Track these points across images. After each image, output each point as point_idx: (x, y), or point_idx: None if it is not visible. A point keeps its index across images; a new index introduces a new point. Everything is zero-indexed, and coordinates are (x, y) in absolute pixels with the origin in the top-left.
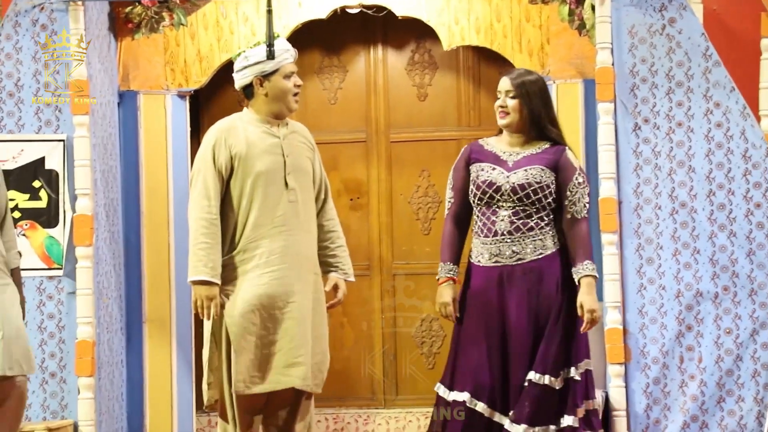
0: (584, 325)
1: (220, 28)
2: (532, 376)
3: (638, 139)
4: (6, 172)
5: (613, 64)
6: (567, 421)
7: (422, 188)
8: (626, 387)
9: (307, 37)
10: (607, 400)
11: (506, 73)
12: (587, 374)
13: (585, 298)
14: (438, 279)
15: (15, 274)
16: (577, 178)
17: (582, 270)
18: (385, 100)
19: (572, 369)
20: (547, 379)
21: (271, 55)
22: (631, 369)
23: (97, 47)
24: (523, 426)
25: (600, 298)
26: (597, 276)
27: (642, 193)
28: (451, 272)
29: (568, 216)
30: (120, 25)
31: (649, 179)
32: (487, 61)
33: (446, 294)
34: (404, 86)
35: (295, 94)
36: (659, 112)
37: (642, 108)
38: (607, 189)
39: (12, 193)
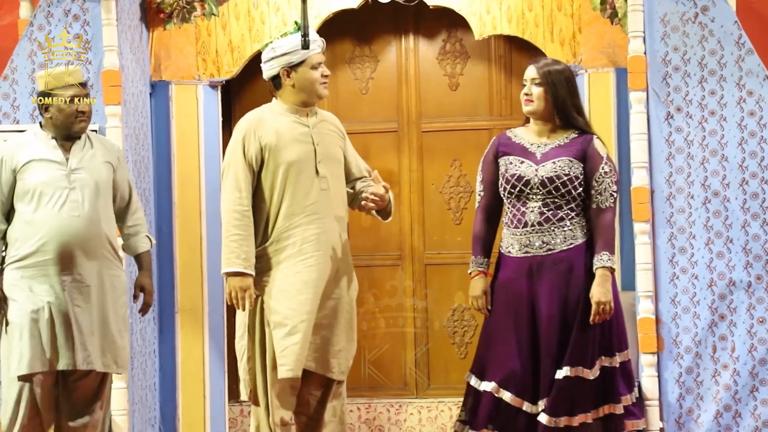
0: (592, 316)
1: (251, 18)
2: (566, 369)
3: (671, 128)
4: None
5: (645, 53)
6: (611, 409)
7: (454, 178)
8: (659, 377)
9: (338, 26)
10: (639, 389)
11: (532, 62)
12: (627, 364)
13: (595, 290)
14: (470, 272)
15: (143, 258)
16: (603, 168)
17: (598, 261)
18: (417, 89)
19: (611, 358)
20: (579, 371)
21: (305, 45)
22: (664, 358)
23: (129, 38)
24: (563, 417)
25: (632, 287)
26: (613, 268)
27: (674, 183)
28: (483, 265)
29: (594, 205)
30: (152, 16)
31: (682, 168)
32: (518, 51)
33: (478, 287)
34: (435, 76)
35: (323, 84)
36: (692, 100)
37: (674, 97)
38: (639, 178)
39: None
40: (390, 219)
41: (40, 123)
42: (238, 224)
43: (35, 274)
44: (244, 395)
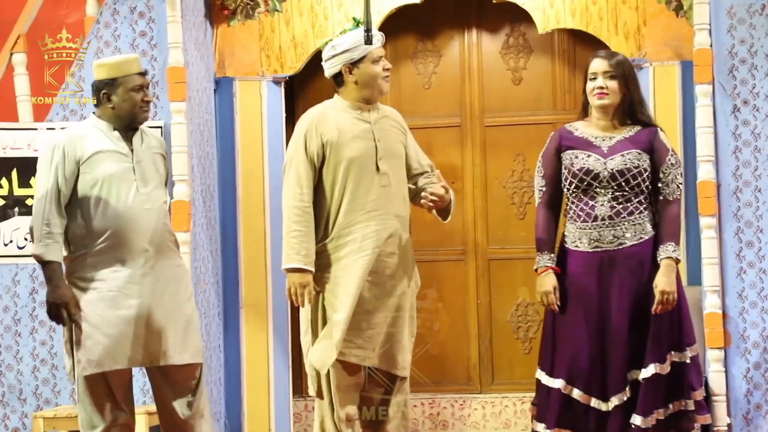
0: (655, 305)
1: (314, 14)
2: (651, 368)
3: (737, 121)
4: None
5: (711, 46)
6: (682, 405)
7: (517, 173)
8: (726, 372)
9: (401, 22)
10: (706, 385)
11: (598, 55)
12: (696, 358)
13: (660, 280)
14: (536, 269)
15: None
16: (669, 159)
17: (663, 252)
18: (480, 84)
19: (681, 353)
20: (657, 368)
21: (368, 40)
22: (731, 354)
23: (194, 34)
24: (651, 416)
25: (699, 282)
26: (679, 258)
27: (741, 176)
28: (550, 261)
29: (661, 197)
30: (216, 12)
31: (749, 162)
32: (582, 44)
33: (547, 283)
34: (499, 70)
35: (385, 77)
36: (759, 93)
37: (741, 89)
38: (705, 172)
39: None
40: (449, 219)
41: (96, 114)
42: (298, 220)
43: (106, 268)
44: (312, 390)
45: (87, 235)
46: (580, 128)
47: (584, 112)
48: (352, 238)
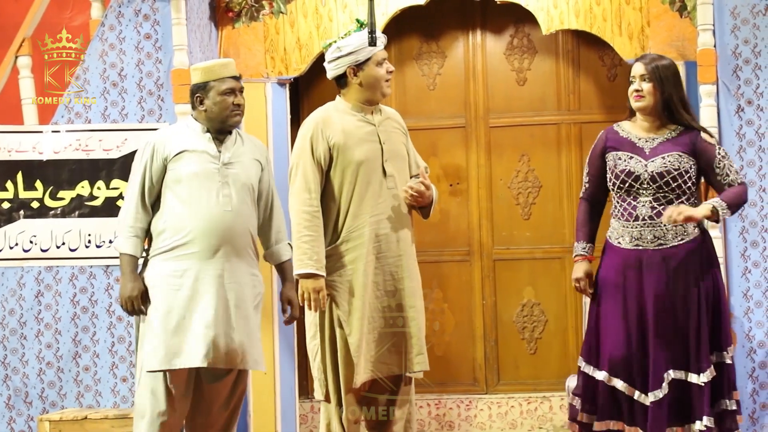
0: (667, 216)
1: (319, 16)
2: (706, 374)
3: (741, 121)
4: (110, 161)
5: (715, 46)
6: (725, 404)
7: (522, 173)
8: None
9: (405, 23)
10: None
11: (639, 59)
12: (733, 360)
13: (688, 209)
14: (574, 257)
15: (286, 268)
16: (719, 153)
17: (712, 201)
18: (484, 85)
19: (722, 354)
20: (705, 377)
21: (372, 42)
22: (737, 353)
23: (198, 36)
24: (705, 419)
25: None
26: (718, 212)
27: (746, 176)
28: (585, 250)
29: (727, 187)
30: (220, 14)
31: (753, 161)
32: (586, 45)
33: (579, 270)
34: (503, 71)
35: (387, 80)
36: (763, 93)
37: (745, 90)
38: None
39: (116, 182)
40: (428, 217)
41: (192, 116)
42: (308, 225)
43: (182, 267)
44: (319, 394)
45: (168, 231)
46: (627, 129)
47: (631, 113)
48: (361, 242)
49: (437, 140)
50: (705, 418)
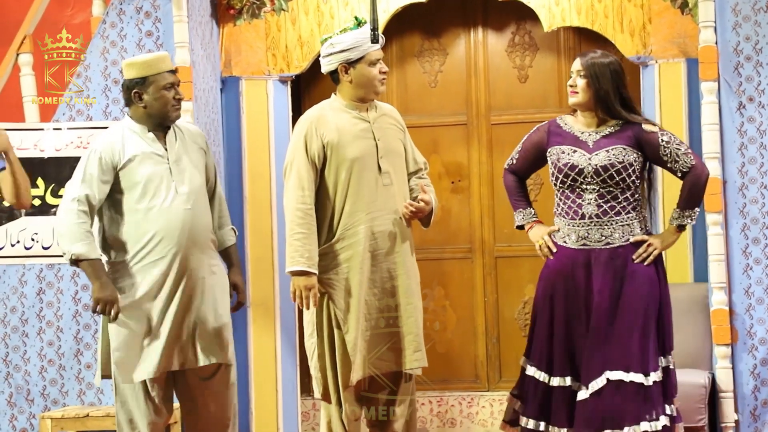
0: (637, 254)
1: (320, 13)
2: (643, 378)
3: (743, 118)
4: None
5: (716, 43)
6: (667, 410)
7: None
8: (733, 368)
9: (407, 20)
10: (713, 381)
11: (580, 54)
12: (674, 365)
13: (654, 239)
14: (521, 225)
15: (231, 252)
16: (662, 138)
17: (671, 219)
18: (486, 82)
19: (666, 359)
20: (656, 376)
21: (375, 39)
22: (738, 350)
23: (200, 34)
24: (663, 418)
25: (705, 279)
26: (682, 224)
27: (747, 173)
28: (533, 216)
29: (679, 174)
30: (222, 12)
31: (754, 158)
32: (588, 42)
33: (541, 232)
34: (504, 68)
35: (381, 80)
36: (764, 90)
37: (746, 87)
38: (711, 169)
39: None
40: (428, 227)
41: (128, 115)
42: (301, 222)
43: (150, 270)
44: (317, 393)
45: (132, 238)
46: (569, 123)
47: (574, 108)
48: (356, 240)
49: (439, 137)
50: (662, 417)
